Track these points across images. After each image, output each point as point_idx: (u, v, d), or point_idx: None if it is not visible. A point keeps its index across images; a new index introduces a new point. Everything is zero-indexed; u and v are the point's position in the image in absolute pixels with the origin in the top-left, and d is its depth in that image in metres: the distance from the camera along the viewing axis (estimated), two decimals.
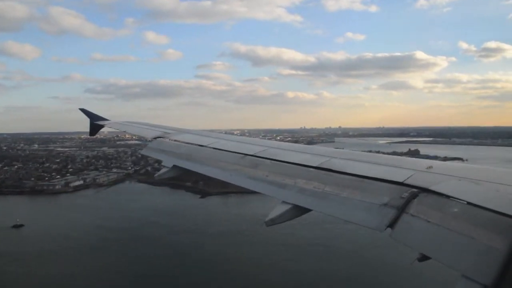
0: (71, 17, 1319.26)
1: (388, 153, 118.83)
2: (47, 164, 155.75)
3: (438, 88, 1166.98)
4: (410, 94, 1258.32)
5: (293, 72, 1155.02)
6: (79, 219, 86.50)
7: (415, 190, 3.94)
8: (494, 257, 2.77)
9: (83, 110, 14.16)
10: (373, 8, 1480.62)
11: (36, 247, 68.28)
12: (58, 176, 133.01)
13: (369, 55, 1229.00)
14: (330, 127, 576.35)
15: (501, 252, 2.76)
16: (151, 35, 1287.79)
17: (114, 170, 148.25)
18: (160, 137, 9.29)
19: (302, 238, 67.63)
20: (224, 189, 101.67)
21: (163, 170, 7.50)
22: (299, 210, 4.61)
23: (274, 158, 6.14)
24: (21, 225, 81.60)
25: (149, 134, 10.00)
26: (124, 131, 12.82)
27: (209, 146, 7.63)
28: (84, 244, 69.70)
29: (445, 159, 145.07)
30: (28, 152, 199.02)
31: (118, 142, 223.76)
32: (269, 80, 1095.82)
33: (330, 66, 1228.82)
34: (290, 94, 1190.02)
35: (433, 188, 3.86)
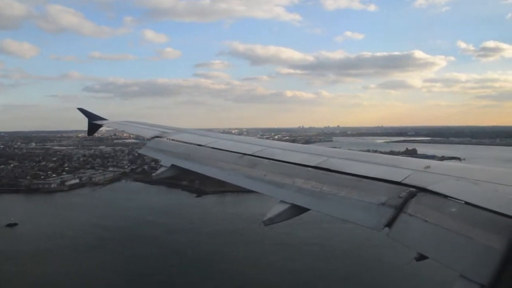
0: (69, 15, 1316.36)
1: (385, 152, 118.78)
2: (44, 163, 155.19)
3: (437, 87, 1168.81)
4: (409, 94, 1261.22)
5: (292, 71, 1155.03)
6: (74, 218, 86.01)
7: (413, 189, 3.95)
8: (492, 257, 2.78)
9: (81, 110, 14.06)
10: (372, 7, 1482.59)
11: (30, 246, 67.69)
12: (54, 175, 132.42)
13: (367, 54, 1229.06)
14: (328, 126, 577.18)
15: (499, 252, 2.77)
16: (149, 34, 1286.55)
17: (111, 168, 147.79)
18: (158, 137, 9.30)
19: (299, 238, 67.26)
20: (220, 188, 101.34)
21: (161, 170, 7.48)
22: (297, 210, 4.61)
23: (272, 157, 6.14)
24: (15, 224, 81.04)
25: (147, 133, 9.99)
26: (122, 131, 12.70)
27: (207, 145, 7.63)
28: (79, 243, 69.18)
29: (443, 158, 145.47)
30: (25, 151, 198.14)
31: (115, 141, 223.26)
32: (268, 79, 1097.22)
33: (329, 65, 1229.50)
34: (289, 93, 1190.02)
35: (431, 187, 3.87)
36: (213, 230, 75.83)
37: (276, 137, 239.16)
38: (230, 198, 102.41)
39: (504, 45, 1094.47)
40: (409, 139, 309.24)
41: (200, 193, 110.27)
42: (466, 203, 3.46)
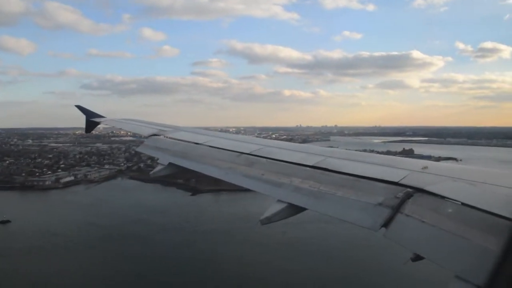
0: (67, 12, 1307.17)
1: (382, 152, 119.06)
2: (39, 160, 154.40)
3: (435, 87, 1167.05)
4: (407, 94, 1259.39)
5: (290, 70, 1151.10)
6: (67, 216, 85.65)
7: (410, 190, 3.95)
8: (488, 257, 2.75)
9: (79, 107, 13.93)
10: (370, 7, 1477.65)
11: (22, 244, 67.41)
12: (49, 172, 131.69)
13: (366, 54, 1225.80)
14: (326, 126, 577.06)
15: (495, 253, 2.75)
16: (147, 32, 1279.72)
17: (107, 166, 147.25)
18: (156, 135, 9.26)
19: (295, 237, 67.20)
20: (216, 186, 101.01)
21: (158, 168, 7.40)
22: (294, 209, 4.58)
23: (270, 156, 6.12)
24: (8, 221, 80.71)
25: (145, 131, 9.94)
26: (120, 128, 12.51)
27: (205, 144, 7.59)
28: (72, 241, 68.93)
29: (439, 159, 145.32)
30: (21, 147, 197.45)
31: (112, 138, 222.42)
32: (266, 78, 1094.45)
33: (327, 64, 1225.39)
34: (287, 92, 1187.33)
35: (428, 188, 3.87)
36: (207, 229, 75.56)
37: (274, 136, 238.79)
38: (226, 197, 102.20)
39: (502, 46, 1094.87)
40: (406, 139, 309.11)
41: (195, 191, 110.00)
42: (463, 204, 3.46)
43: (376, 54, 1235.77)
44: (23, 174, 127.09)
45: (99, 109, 14.08)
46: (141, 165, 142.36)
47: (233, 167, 6.16)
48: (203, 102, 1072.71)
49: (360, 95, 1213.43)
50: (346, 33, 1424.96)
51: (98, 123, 13.37)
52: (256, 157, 6.23)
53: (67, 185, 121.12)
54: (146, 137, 9.32)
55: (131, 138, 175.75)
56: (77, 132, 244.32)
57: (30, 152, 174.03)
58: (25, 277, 54.91)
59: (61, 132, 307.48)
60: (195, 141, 7.91)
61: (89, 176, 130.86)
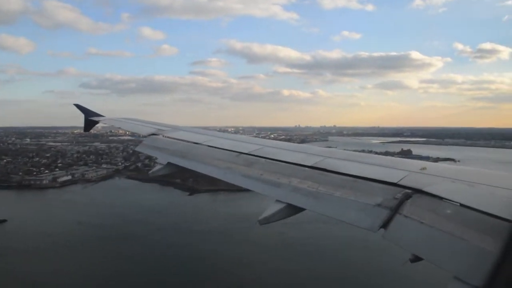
0: (66, 10, 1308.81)
1: (380, 153, 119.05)
2: (37, 159, 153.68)
3: (433, 88, 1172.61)
4: (405, 94, 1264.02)
5: (289, 70, 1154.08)
6: (64, 215, 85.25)
7: (408, 191, 3.96)
8: (486, 258, 2.78)
9: (77, 106, 13.92)
10: (370, 7, 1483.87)
11: (17, 243, 66.97)
12: (47, 171, 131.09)
13: (365, 54, 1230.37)
14: (324, 126, 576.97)
15: (493, 254, 2.78)
16: (146, 31, 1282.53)
17: (104, 165, 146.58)
18: (154, 134, 9.27)
19: (293, 238, 67.00)
20: (213, 186, 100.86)
21: (157, 167, 7.47)
22: (293, 209, 4.61)
23: (269, 157, 6.15)
24: (4, 220, 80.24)
25: (144, 130, 9.96)
26: (119, 128, 12.49)
27: (204, 143, 7.64)
28: (67, 241, 68.41)
29: (437, 159, 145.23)
30: (19, 146, 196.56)
31: (111, 138, 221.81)
32: (265, 78, 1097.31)
33: (326, 64, 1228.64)
34: (286, 92, 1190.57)
35: (426, 189, 3.88)
36: (204, 229, 75.21)
37: (272, 136, 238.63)
38: (223, 197, 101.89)
39: (500, 47, 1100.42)
40: (404, 139, 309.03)
41: (192, 191, 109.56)
42: (461, 205, 3.47)
43: (375, 54, 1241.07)
44: (20, 173, 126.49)
45: (98, 108, 14.07)
46: (139, 164, 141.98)
47: (232, 167, 6.17)
48: (202, 101, 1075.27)
49: (359, 95, 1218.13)
50: (345, 33, 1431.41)
51: (97, 122, 13.33)
52: (255, 157, 6.25)
53: (64, 184, 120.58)
54: (145, 137, 9.31)
55: (129, 138, 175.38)
56: (75, 131, 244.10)
57: (28, 151, 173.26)
58: (20, 277, 54.52)
59: (59, 131, 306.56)
60: (194, 141, 7.93)
61: (86, 176, 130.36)
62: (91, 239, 69.58)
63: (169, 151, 7.80)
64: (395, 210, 3.72)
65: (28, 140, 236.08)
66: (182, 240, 68.79)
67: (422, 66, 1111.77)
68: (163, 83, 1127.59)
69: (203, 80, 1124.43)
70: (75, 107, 13.86)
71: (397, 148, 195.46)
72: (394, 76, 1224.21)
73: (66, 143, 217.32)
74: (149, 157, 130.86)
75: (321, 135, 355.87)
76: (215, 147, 7.23)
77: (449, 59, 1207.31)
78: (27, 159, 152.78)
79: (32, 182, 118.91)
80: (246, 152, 6.53)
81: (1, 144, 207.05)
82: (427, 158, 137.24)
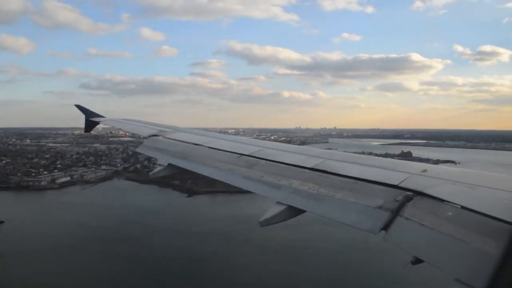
0: (66, 11, 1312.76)
1: (380, 155, 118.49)
2: (36, 160, 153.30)
3: (433, 90, 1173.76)
4: (406, 96, 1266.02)
5: (289, 71, 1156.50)
6: (61, 217, 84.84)
7: (409, 193, 3.96)
8: (487, 261, 2.79)
9: (78, 107, 13.92)
10: (370, 9, 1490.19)
11: (14, 245, 66.54)
12: (46, 172, 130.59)
13: (365, 56, 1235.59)
14: (325, 128, 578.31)
15: (495, 257, 2.79)
16: (146, 31, 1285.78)
17: (103, 167, 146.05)
18: (155, 135, 9.30)
19: (291, 240, 66.45)
20: (212, 188, 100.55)
21: (158, 169, 7.50)
22: (293, 211, 4.62)
23: (269, 158, 6.16)
24: (1, 222, 79.58)
25: (144, 132, 9.96)
26: (119, 129, 12.55)
27: (204, 145, 7.64)
28: (65, 242, 67.98)
29: (438, 162, 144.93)
30: (18, 147, 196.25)
31: (111, 139, 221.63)
32: (265, 79, 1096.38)
33: (326, 66, 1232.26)
34: (286, 94, 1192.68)
35: (427, 191, 3.89)
36: (202, 231, 74.74)
37: (272, 137, 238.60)
38: (222, 199, 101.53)
39: (500, 49, 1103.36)
40: (404, 141, 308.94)
41: (191, 193, 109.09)
42: (462, 207, 3.47)
43: (375, 56, 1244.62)
44: (19, 174, 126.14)
45: (97, 109, 14.00)
46: (138, 166, 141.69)
47: (232, 168, 6.19)
48: (202, 103, 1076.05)
49: (359, 97, 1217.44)
50: (345, 35, 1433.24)
51: (97, 123, 13.31)
52: (255, 159, 6.26)
53: (63, 185, 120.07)
54: (146, 138, 9.31)
55: (129, 139, 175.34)
56: (75, 132, 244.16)
57: (27, 152, 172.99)
58: (18, 279, 54.05)
59: (59, 132, 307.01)
60: (195, 142, 7.92)
61: (85, 177, 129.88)
62: (90, 241, 69.10)
63: (170, 153, 7.83)
64: (396, 212, 3.72)
65: (28, 141, 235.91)
66: (181, 242, 68.38)
67: (422, 68, 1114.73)
68: (163, 84, 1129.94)
69: (203, 81, 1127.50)
70: (75, 108, 13.85)
71: (397, 150, 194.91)
72: (394, 78, 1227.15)
73: (66, 144, 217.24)
74: (148, 159, 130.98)
75: (321, 137, 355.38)
76: (216, 149, 7.22)
77: (449, 61, 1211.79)
78: (26, 160, 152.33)
79: (30, 183, 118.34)
80: (246, 153, 6.53)
81: (1, 145, 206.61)
82: (427, 160, 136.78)
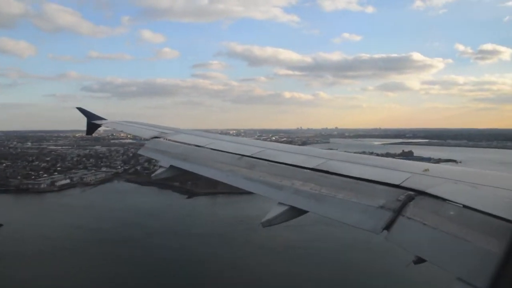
0: (67, 14, 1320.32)
1: (381, 154, 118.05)
2: (36, 163, 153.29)
3: (435, 89, 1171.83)
4: (407, 96, 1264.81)
5: (290, 72, 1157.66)
6: (60, 219, 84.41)
7: (411, 193, 3.99)
8: (490, 260, 2.80)
9: (80, 109, 14.08)
10: (370, 9, 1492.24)
11: (13, 248, 66.04)
12: (45, 175, 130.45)
13: (365, 56, 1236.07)
14: (326, 128, 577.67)
15: (497, 255, 2.80)
16: (147, 34, 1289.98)
17: (104, 169, 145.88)
18: (157, 137, 9.35)
19: (294, 240, 65.87)
20: (212, 189, 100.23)
21: (159, 170, 7.49)
22: (295, 212, 4.61)
23: (271, 159, 6.19)
24: (1, 225, 79.16)
25: (146, 134, 10.07)
26: (121, 131, 12.79)
27: (206, 146, 7.69)
28: (64, 245, 67.54)
29: (439, 161, 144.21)
30: (19, 150, 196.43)
31: (112, 141, 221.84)
32: (266, 80, 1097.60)
33: (327, 66, 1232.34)
34: (287, 94, 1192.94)
35: (429, 191, 3.92)
36: (203, 232, 74.26)
37: (274, 138, 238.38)
38: (222, 200, 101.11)
39: (501, 48, 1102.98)
40: (406, 141, 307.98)
41: (191, 194, 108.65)
42: (465, 206, 3.48)
43: (376, 56, 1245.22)
44: (19, 177, 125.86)
45: (99, 112, 14.11)
46: (138, 167, 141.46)
47: (234, 169, 6.20)
48: (203, 104, 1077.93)
49: (360, 97, 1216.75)
50: (346, 35, 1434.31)
51: (99, 126, 13.41)
52: (257, 160, 6.28)
53: (63, 188, 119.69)
54: (147, 140, 9.35)
55: (130, 141, 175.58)
56: (77, 135, 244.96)
57: (28, 155, 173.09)
58: (18, 281, 53.72)
59: (61, 134, 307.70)
60: (196, 144, 7.98)
61: (85, 179, 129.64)
62: (90, 243, 68.68)
63: (172, 154, 7.85)
64: (398, 212, 3.70)
65: (29, 144, 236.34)
66: (181, 243, 67.98)
67: (423, 67, 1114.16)
68: (164, 86, 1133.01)
69: (204, 83, 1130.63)
70: (76, 111, 13.96)
71: (398, 150, 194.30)
72: (395, 78, 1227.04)
73: (66, 147, 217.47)
74: (149, 160, 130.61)
75: (323, 137, 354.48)
76: (217, 150, 7.26)
77: (450, 61, 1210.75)
78: (26, 163, 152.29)
79: (30, 186, 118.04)
80: (248, 154, 6.56)
81: (2, 148, 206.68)
82: (428, 160, 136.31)
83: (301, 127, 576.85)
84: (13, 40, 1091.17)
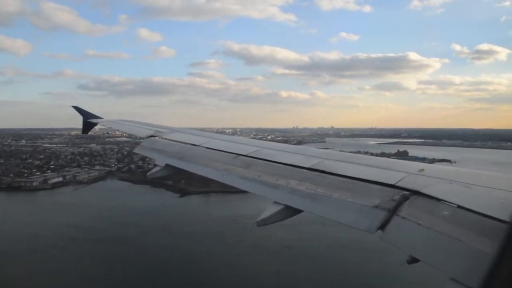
0: (63, 12, 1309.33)
1: (376, 154, 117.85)
2: (30, 160, 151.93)
3: (431, 89, 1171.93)
4: (403, 95, 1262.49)
5: (287, 71, 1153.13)
6: (51, 217, 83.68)
7: (406, 192, 4.01)
8: (483, 260, 2.79)
9: (76, 108, 14.05)
10: (367, 9, 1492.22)
11: (6, 246, 65.08)
12: (38, 173, 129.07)
13: (362, 55, 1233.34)
14: (322, 127, 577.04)
15: (490, 255, 2.78)
16: (144, 32, 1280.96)
17: (97, 167, 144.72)
18: (153, 136, 9.35)
19: (289, 239, 65.61)
20: (205, 188, 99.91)
21: (155, 169, 7.49)
22: (290, 211, 4.63)
23: (267, 158, 6.16)
24: None
25: (142, 132, 10.02)
26: (117, 130, 12.72)
27: (202, 145, 7.66)
28: (52, 244, 66.92)
29: (433, 160, 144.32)
30: (13, 148, 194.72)
31: (107, 139, 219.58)
32: (263, 79, 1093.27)
33: (324, 66, 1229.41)
34: (284, 94, 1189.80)
35: (424, 191, 3.94)
36: (196, 231, 73.81)
37: (269, 137, 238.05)
38: (215, 199, 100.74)
39: (498, 48, 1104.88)
40: (402, 140, 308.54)
41: (184, 193, 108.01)
42: (459, 206, 3.50)
43: (373, 55, 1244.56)
44: (11, 175, 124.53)
45: (96, 110, 14.20)
46: (132, 166, 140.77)
47: (230, 168, 6.18)
48: (200, 103, 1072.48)
49: (357, 96, 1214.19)
50: (343, 34, 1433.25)
51: (95, 124, 13.42)
52: (253, 159, 6.27)
53: (55, 186, 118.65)
54: (143, 139, 9.34)
55: (126, 139, 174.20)
56: (72, 133, 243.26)
57: (22, 153, 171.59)
58: (11, 279, 53.16)
59: (56, 132, 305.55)
60: (192, 143, 7.95)
61: (78, 177, 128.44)
62: (83, 241, 68.15)
63: (167, 153, 7.84)
64: (393, 211, 3.71)
65: (23, 141, 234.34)
66: (175, 242, 67.43)
67: (420, 67, 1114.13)
68: (161, 85, 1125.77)
69: (201, 82, 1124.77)
70: (72, 109, 13.91)
71: (393, 149, 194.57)
72: (392, 77, 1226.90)
73: (61, 145, 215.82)
74: (142, 159, 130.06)
75: (319, 137, 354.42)
76: (213, 149, 7.25)
77: (446, 60, 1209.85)
78: (20, 161, 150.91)
79: (22, 183, 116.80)
80: (243, 153, 6.53)
81: None
82: (423, 159, 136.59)
83: (297, 126, 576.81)
84: (10, 38, 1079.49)
